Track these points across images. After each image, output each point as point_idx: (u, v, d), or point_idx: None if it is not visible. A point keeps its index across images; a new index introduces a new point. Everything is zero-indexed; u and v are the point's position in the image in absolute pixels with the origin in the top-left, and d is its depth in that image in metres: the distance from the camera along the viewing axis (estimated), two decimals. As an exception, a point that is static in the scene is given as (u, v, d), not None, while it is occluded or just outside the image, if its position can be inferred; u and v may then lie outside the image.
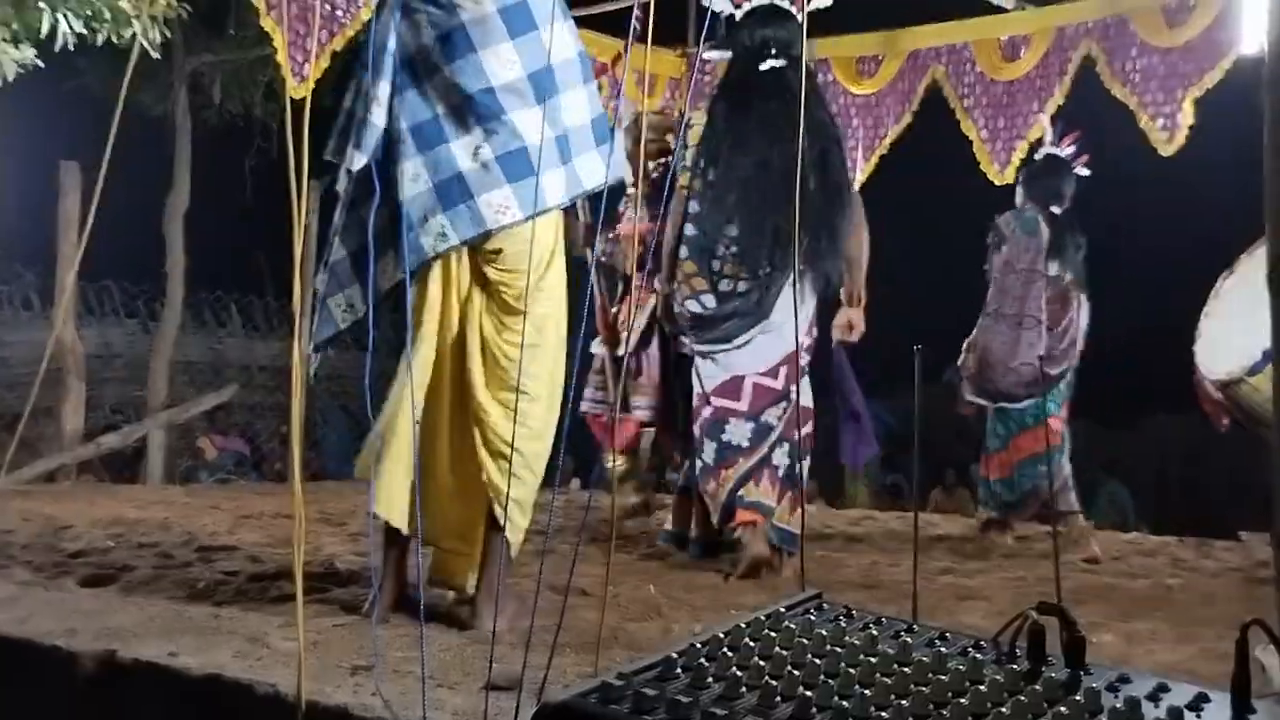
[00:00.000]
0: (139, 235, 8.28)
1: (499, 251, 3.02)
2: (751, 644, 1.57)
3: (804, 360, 4.32)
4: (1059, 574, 2.47)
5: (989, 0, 6.24)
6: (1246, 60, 5.20)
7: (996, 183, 6.15)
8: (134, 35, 5.31)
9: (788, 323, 4.10)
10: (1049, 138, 5.53)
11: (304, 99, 5.49)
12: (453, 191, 2.95)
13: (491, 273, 3.05)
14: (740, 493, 4.23)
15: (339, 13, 5.70)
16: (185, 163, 8.07)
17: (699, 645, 1.56)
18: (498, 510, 3.04)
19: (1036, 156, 5.54)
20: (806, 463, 4.38)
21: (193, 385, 8.71)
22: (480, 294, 3.09)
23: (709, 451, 4.27)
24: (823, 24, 6.61)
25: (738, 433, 4.27)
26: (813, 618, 1.79)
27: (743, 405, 4.28)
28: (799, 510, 4.11)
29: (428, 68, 2.98)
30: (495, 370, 3.07)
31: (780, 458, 4.28)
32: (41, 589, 3.45)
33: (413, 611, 3.12)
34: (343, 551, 4.28)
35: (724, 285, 4.30)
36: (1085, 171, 5.44)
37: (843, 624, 1.76)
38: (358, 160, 2.94)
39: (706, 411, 4.29)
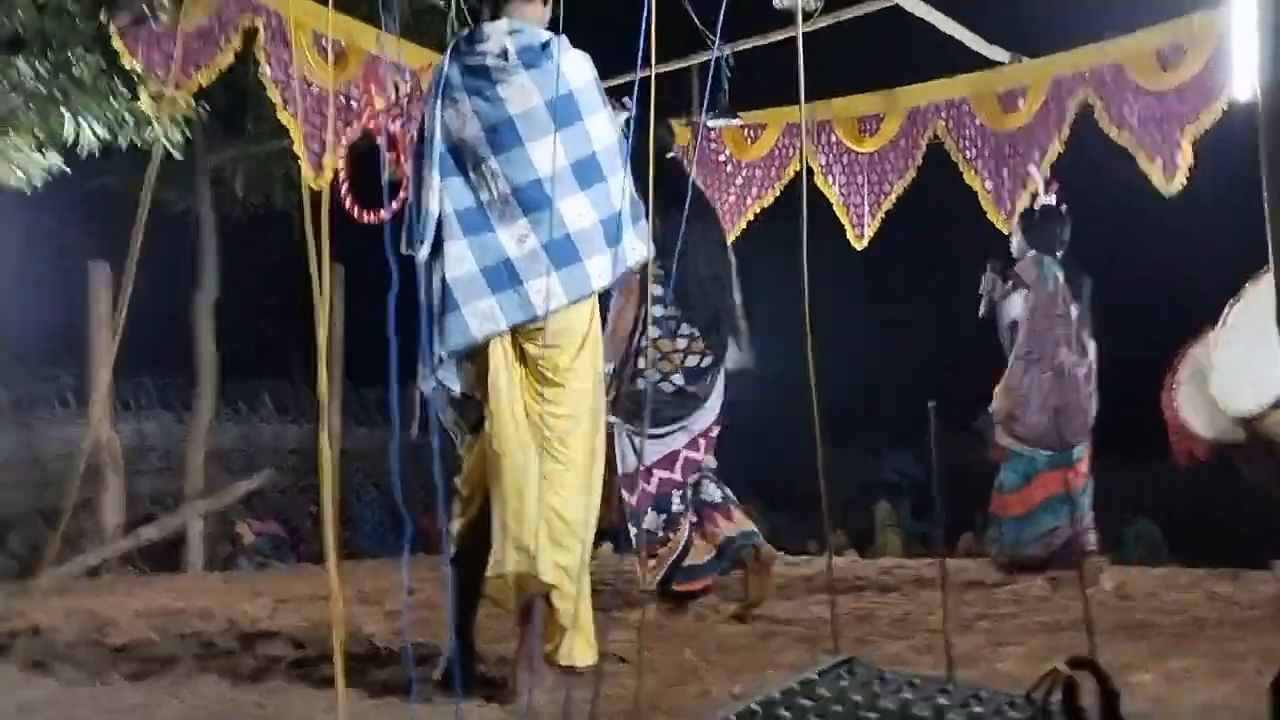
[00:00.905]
0: (170, 329, 8.42)
1: (540, 330, 3.10)
2: (785, 713, 1.61)
3: (714, 432, 4.85)
4: (1090, 621, 2.50)
5: (985, 55, 6.35)
6: (1247, 101, 5.26)
7: (1005, 231, 6.22)
8: (154, 137, 5.45)
9: (715, 397, 4.79)
10: (1040, 189, 5.72)
11: (322, 189, 5.66)
12: (501, 276, 3.05)
13: (531, 349, 3.14)
14: (686, 562, 4.73)
15: (353, 103, 5.85)
16: (211, 255, 8.24)
17: (732, 718, 1.60)
18: (544, 578, 3.07)
19: (1035, 207, 5.72)
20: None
21: (228, 472, 8.81)
22: (520, 368, 3.18)
23: (652, 521, 4.69)
24: (824, 86, 6.79)
25: (678, 503, 4.74)
26: (845, 683, 1.82)
27: (678, 476, 4.74)
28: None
29: (475, 157, 3.07)
30: (539, 440, 3.15)
31: (711, 494, 4.82)
32: (87, 687, 3.49)
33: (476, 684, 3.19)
34: (381, 630, 4.32)
35: (692, 362, 4.70)
36: (1067, 217, 5.69)
37: (876, 688, 1.77)
38: (422, 248, 3.04)
39: (649, 485, 4.69)
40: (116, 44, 5.32)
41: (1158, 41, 5.72)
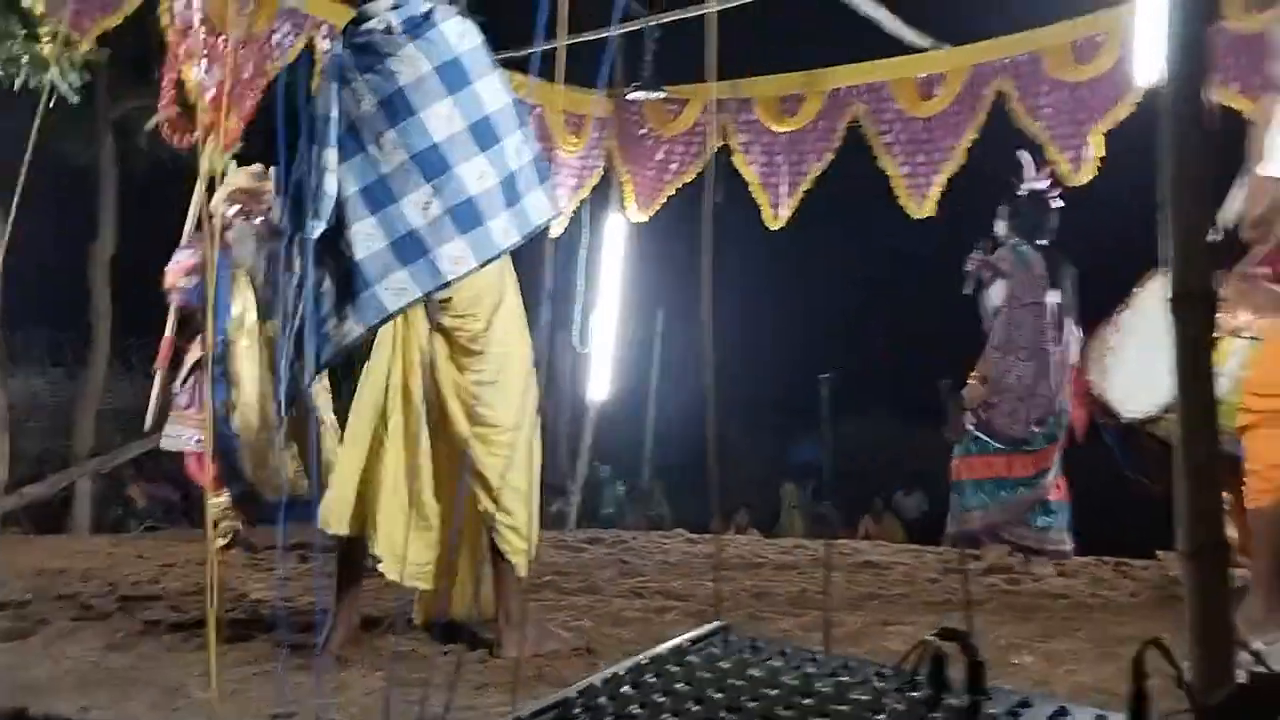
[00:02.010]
0: (66, 284, 8.18)
1: (448, 300, 3.23)
2: (653, 680, 1.58)
3: None
4: (969, 597, 2.52)
5: (906, 40, 6.38)
6: (1153, 93, 5.34)
7: (915, 216, 6.26)
8: (49, 80, 5.25)
9: None
10: (1029, 174, 5.65)
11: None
12: (409, 248, 3.05)
13: (445, 320, 3.27)
14: None
15: (266, 59, 5.70)
16: (111, 210, 8.00)
17: (599, 684, 1.57)
18: (497, 539, 3.30)
19: (1020, 193, 5.62)
20: None
21: (121, 433, 8.55)
22: (440, 339, 3.31)
23: None
24: (745, 64, 6.78)
25: None
26: (718, 650, 1.80)
27: None
28: None
29: (371, 133, 3.08)
30: (468, 408, 3.29)
31: None
32: (-45, 645, 3.39)
33: (368, 651, 3.21)
34: (269, 596, 4.24)
35: None
36: (1060, 203, 5.60)
37: (747, 656, 1.75)
38: (317, 228, 3.05)
39: None
40: (17, -19, 5.14)
41: (1074, 34, 5.79)
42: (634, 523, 10.44)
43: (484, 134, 3.07)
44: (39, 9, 5.17)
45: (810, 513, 12.68)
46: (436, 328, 3.26)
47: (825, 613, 2.31)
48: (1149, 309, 4.25)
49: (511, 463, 3.27)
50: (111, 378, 8.46)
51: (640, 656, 1.70)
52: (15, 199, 3.56)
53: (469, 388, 3.26)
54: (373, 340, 3.31)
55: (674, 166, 7.38)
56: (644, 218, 7.52)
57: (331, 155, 3.06)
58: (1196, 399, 1.80)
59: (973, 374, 5.55)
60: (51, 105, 5.85)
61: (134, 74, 7.79)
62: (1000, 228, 5.65)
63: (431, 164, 3.04)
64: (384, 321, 3.11)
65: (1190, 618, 1.73)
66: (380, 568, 3.32)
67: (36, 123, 3.71)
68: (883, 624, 3.91)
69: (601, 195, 7.57)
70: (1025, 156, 5.72)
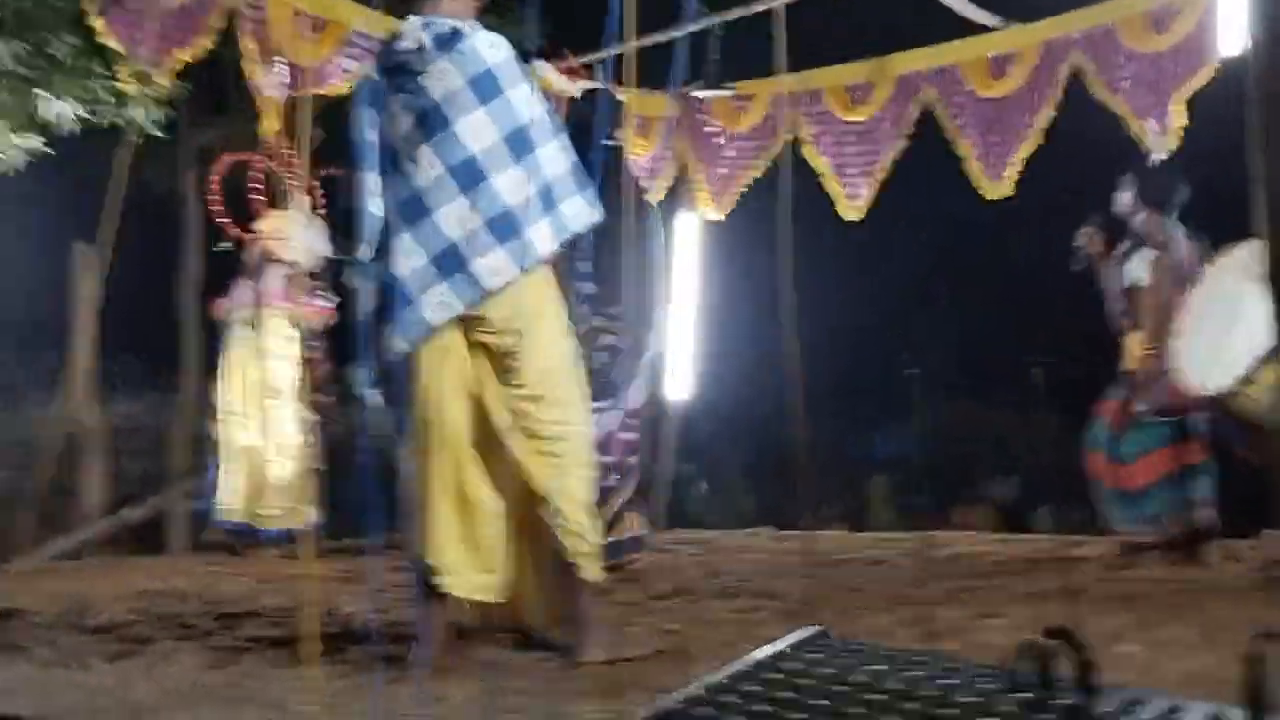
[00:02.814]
0: (158, 311, 8.39)
1: (483, 318, 3.17)
2: (756, 688, 1.56)
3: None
4: (1075, 590, 2.45)
5: (975, 20, 6.27)
6: (1235, 60, 5.19)
7: (990, 198, 6.15)
8: (134, 117, 5.40)
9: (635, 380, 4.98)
10: (1152, 142, 5.42)
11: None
12: (448, 261, 3.09)
13: (479, 337, 3.22)
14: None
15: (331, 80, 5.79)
16: (195, 237, 8.18)
17: (703, 693, 1.55)
18: (561, 547, 3.26)
19: (1148, 163, 5.33)
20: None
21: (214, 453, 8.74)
22: (481, 353, 3.25)
23: None
24: (812, 56, 6.72)
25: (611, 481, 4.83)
26: (819, 655, 1.77)
27: (613, 457, 4.82)
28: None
29: (408, 150, 3.12)
30: (516, 421, 3.24)
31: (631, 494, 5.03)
32: (63, 669, 3.47)
33: (464, 661, 3.22)
34: (363, 610, 4.28)
35: (608, 340, 4.87)
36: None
37: (849, 660, 1.73)
38: (366, 251, 3.12)
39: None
40: (95, 22, 5.26)
41: (1149, 3, 5.64)
42: (720, 521, 10.39)
43: (519, 144, 3.09)
44: (118, 48, 5.30)
45: (899, 505, 12.53)
46: (474, 344, 3.23)
47: (921, 608, 2.27)
48: (1219, 285, 4.13)
49: (565, 471, 3.23)
50: (203, 400, 8.64)
51: (740, 663, 1.68)
52: (111, 234, 3.67)
53: (513, 403, 3.23)
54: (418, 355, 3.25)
55: (745, 163, 7.33)
56: (719, 216, 7.48)
57: (373, 179, 3.11)
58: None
59: (1137, 349, 5.03)
60: (138, 141, 6.04)
61: (211, 105, 7.98)
62: (1126, 199, 5.18)
63: (468, 176, 3.07)
64: (428, 336, 3.13)
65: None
66: (438, 579, 3.25)
67: (124, 158, 3.83)
68: (980, 616, 3.83)
69: (675, 196, 7.55)
70: (1152, 124, 5.45)
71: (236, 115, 7.96)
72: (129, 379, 9.18)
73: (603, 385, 4.67)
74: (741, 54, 6.77)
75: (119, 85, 5.81)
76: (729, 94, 7.08)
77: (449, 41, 3.13)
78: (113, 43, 5.27)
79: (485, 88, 3.10)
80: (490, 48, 3.15)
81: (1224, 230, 4.04)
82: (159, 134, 6.13)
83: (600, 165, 4.75)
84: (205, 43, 5.42)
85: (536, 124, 3.15)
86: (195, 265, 8.20)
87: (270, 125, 5.41)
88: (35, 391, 8.70)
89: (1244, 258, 3.96)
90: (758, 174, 7.29)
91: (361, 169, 3.11)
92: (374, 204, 3.10)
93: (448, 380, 3.23)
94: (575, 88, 4.60)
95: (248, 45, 5.41)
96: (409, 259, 3.09)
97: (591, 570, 3.31)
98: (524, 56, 3.28)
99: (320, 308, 6.30)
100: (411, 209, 3.10)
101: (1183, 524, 5.04)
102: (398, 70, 3.15)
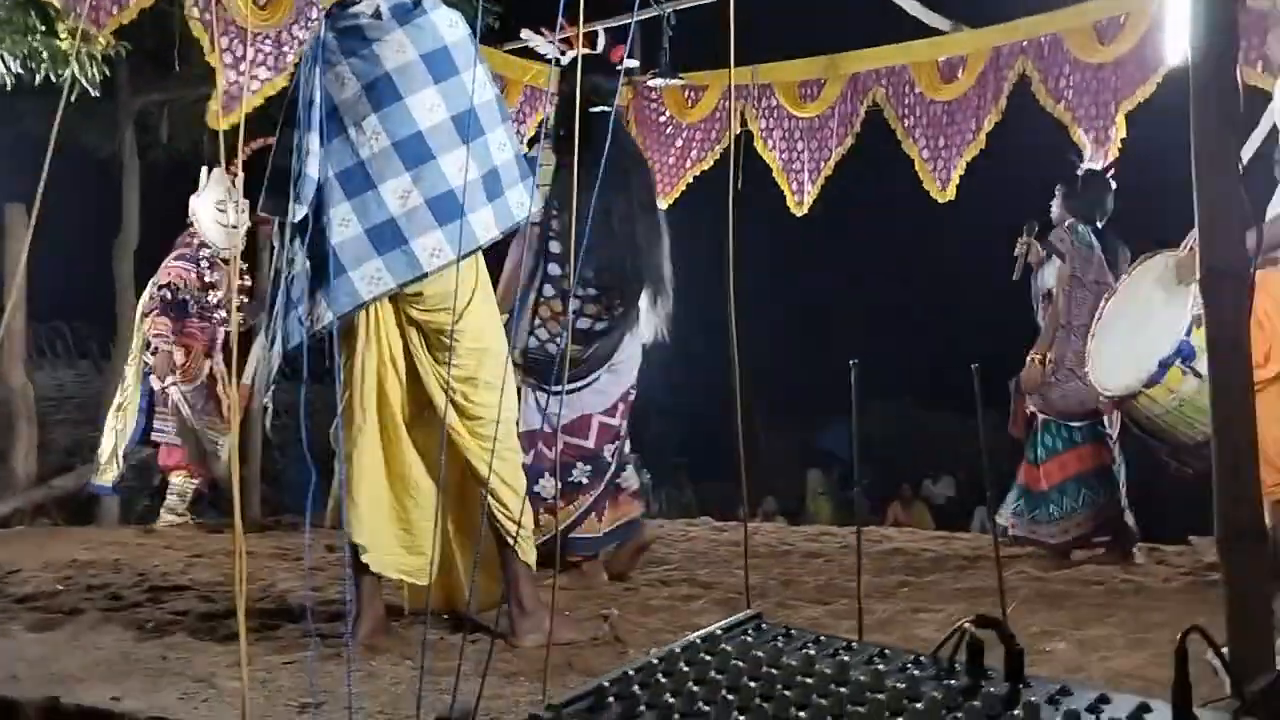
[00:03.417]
0: (90, 276, 8.21)
1: (419, 295, 3.13)
2: (686, 669, 1.56)
3: (632, 397, 4.68)
4: (1003, 584, 2.49)
5: (927, 23, 6.33)
6: (1178, 72, 5.29)
7: (939, 200, 6.23)
8: (70, 74, 5.26)
9: (626, 362, 4.56)
10: (1087, 153, 5.54)
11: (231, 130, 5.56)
12: (385, 236, 3.05)
13: (416, 314, 3.18)
14: (574, 533, 4.45)
15: (285, 49, 5.71)
16: (134, 202, 8.00)
17: (632, 673, 1.55)
18: (500, 528, 3.23)
19: (1078, 173, 5.44)
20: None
21: (148, 423, 8.60)
22: (414, 331, 3.21)
23: (549, 487, 4.34)
24: (765, 49, 6.74)
25: (580, 471, 4.51)
26: (750, 639, 1.77)
27: (590, 443, 4.51)
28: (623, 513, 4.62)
29: (353, 117, 3.07)
30: (453, 400, 3.17)
31: (627, 480, 4.68)
32: (-13, 638, 3.40)
33: (396, 640, 3.19)
34: (297, 587, 4.25)
35: (583, 324, 4.44)
36: (1114, 185, 5.43)
37: (780, 644, 1.73)
38: (299, 212, 3.04)
39: (551, 450, 4.37)
40: (34, -24, 5.14)
41: (1096, 14, 5.74)
42: (660, 511, 10.43)
43: (468, 126, 3.05)
44: (57, 3, 5.17)
45: (837, 499, 12.65)
46: (408, 320, 3.18)
47: (859, 599, 2.29)
48: (1136, 288, 4.22)
49: (497, 453, 3.16)
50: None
51: (673, 645, 1.68)
52: (39, 193, 3.57)
53: (450, 382, 3.17)
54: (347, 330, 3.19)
55: (694, 153, 7.36)
56: (664, 205, 7.48)
57: (314, 139, 3.03)
58: (1231, 378, 1.76)
59: (1032, 354, 5.35)
60: (74, 100, 5.90)
61: (153, 67, 7.81)
62: (1055, 209, 5.46)
63: (414, 152, 3.03)
64: (356, 309, 3.08)
65: (1228, 605, 1.71)
66: (364, 558, 3.22)
67: (58, 117, 3.73)
68: (913, 611, 3.89)
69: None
70: (1084, 135, 5.60)
71: (178, 79, 7.82)
72: (59, 345, 8.99)
73: (580, 365, 4.46)
74: (694, 44, 6.77)
75: (57, 42, 5.67)
76: (680, 84, 7.08)
77: (408, 13, 3.09)
78: (53, -3, 5.13)
79: (440, 64, 3.07)
80: (449, 25, 3.12)
81: (1159, 237, 4.12)
82: (96, 93, 5.98)
83: (599, 132, 4.53)
84: (146, 1, 5.30)
85: (486, 108, 3.13)
86: (132, 231, 8.02)
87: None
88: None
89: (1160, 264, 4.06)
90: (706, 166, 7.32)
91: (303, 128, 3.03)
92: (312, 166, 3.02)
93: (380, 355, 3.19)
94: (566, 55, 4.53)
95: (193, 7, 5.32)
96: (345, 228, 3.03)
97: (527, 551, 3.29)
98: (496, 29, 3.21)
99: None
100: (352, 178, 3.05)
101: (1091, 526, 5.24)
102: (350, 33, 3.09)
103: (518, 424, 4.04)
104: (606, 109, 4.39)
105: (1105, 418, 5.23)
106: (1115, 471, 5.27)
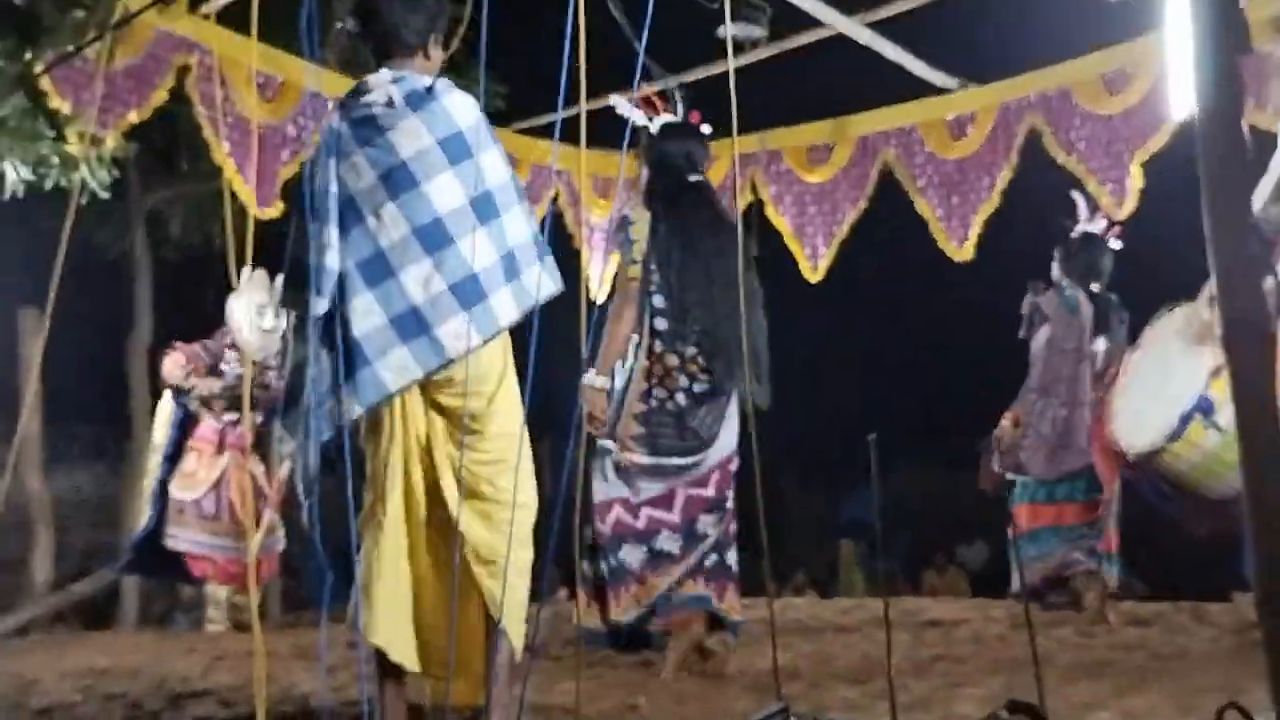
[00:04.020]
0: (105, 377, 8.21)
1: (450, 380, 3.07)
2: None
3: (733, 465, 4.38)
4: (1038, 661, 2.38)
5: (933, 82, 6.32)
6: (1189, 125, 5.24)
7: (955, 259, 6.16)
8: (80, 178, 5.30)
9: (726, 433, 4.31)
10: (1083, 215, 5.53)
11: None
12: (410, 325, 3.00)
13: (444, 399, 3.11)
14: (670, 595, 4.20)
15: (303, 135, 5.75)
16: (146, 300, 8.03)
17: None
18: (498, 615, 3.07)
19: (1073, 235, 5.48)
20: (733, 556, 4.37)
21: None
22: (439, 418, 3.13)
23: (635, 556, 4.21)
24: (772, 116, 6.73)
25: (669, 542, 4.25)
26: (782, 735, 1.69)
27: (675, 517, 4.27)
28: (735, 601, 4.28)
29: (371, 206, 3.03)
30: (471, 487, 3.10)
31: (718, 558, 4.29)
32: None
33: None
34: (320, 688, 4.14)
35: (683, 383, 4.26)
36: (1118, 245, 5.45)
37: (814, 739, 1.65)
38: (320, 306, 2.99)
39: (636, 522, 4.23)
40: (43, 83, 5.18)
41: (1103, 66, 5.72)
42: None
43: (486, 208, 3.03)
44: (66, 109, 5.22)
45: (870, 570, 12.43)
46: (435, 407, 3.12)
47: (890, 681, 2.18)
48: (1157, 343, 4.18)
49: (518, 540, 3.10)
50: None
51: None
52: (52, 295, 3.56)
53: (472, 467, 3.10)
54: (373, 423, 3.13)
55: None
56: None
57: (332, 231, 3.00)
58: (1258, 436, 1.67)
59: (1006, 415, 5.45)
60: (85, 202, 5.95)
61: (163, 165, 7.89)
62: (1054, 270, 5.50)
63: (434, 238, 2.99)
64: (383, 401, 3.02)
65: (1269, 669, 1.60)
66: (390, 654, 3.12)
67: (68, 220, 3.74)
68: (952, 686, 3.75)
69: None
70: (1079, 197, 5.59)
71: (188, 176, 7.89)
72: (75, 448, 8.97)
73: (678, 434, 4.25)
74: (704, 114, 6.77)
75: (66, 147, 5.72)
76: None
77: (422, 99, 3.06)
78: (60, 104, 5.18)
79: (455, 149, 3.04)
80: (462, 109, 3.09)
81: (1173, 292, 4.05)
82: (106, 195, 6.02)
83: (693, 202, 4.40)
84: (156, 102, 5.35)
85: (502, 189, 3.09)
86: (145, 329, 8.03)
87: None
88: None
89: (1180, 318, 4.01)
90: (718, 234, 7.28)
91: (321, 220, 3.00)
92: (331, 258, 2.98)
93: (406, 446, 3.12)
94: (654, 122, 4.49)
95: (201, 106, 5.37)
96: (368, 319, 2.98)
97: (519, 645, 3.15)
98: (503, 110, 3.17)
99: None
100: (373, 268, 3.01)
101: (1042, 578, 5.28)
102: (364, 123, 3.07)
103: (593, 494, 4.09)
104: (700, 177, 4.46)
105: (1090, 478, 5.29)
106: (1091, 529, 5.29)
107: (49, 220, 7.09)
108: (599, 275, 7.35)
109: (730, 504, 4.35)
